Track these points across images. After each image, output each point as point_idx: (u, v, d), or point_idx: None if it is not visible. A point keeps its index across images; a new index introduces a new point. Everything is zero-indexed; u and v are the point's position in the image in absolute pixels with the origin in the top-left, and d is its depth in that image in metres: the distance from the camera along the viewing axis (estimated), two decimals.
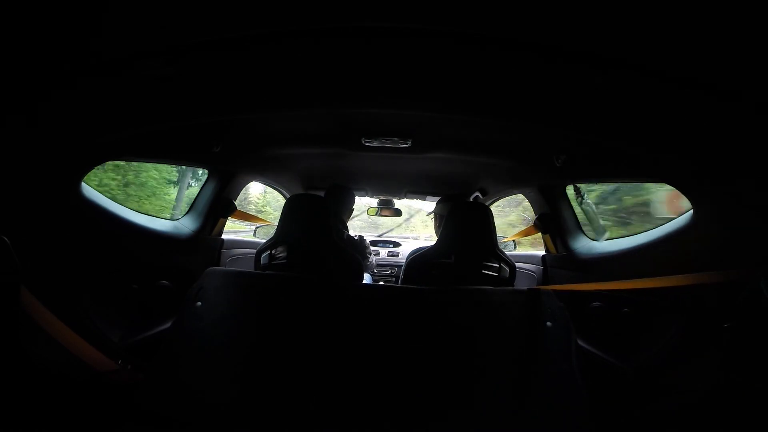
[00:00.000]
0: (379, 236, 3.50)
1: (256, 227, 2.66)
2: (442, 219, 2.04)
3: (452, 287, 1.27)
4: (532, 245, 2.87)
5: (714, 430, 0.95)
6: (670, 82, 0.62)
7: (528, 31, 0.58)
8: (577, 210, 1.79)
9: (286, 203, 1.50)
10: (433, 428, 0.97)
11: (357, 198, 2.32)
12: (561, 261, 1.84)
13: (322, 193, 2.13)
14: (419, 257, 1.53)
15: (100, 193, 1.31)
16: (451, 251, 1.44)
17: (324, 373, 1.05)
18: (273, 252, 1.51)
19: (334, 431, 0.97)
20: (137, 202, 4.04)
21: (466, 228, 1.43)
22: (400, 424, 0.97)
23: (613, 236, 1.64)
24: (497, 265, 1.47)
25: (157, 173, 4.48)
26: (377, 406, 1.00)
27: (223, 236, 2.08)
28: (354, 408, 1.00)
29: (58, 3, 0.52)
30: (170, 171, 4.67)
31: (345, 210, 2.06)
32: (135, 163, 3.92)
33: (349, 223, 2.19)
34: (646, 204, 2.29)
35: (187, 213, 1.85)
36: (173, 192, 4.73)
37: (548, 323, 1.14)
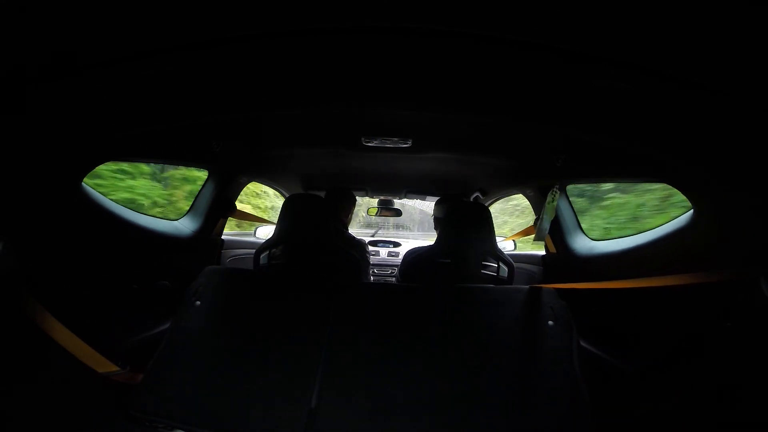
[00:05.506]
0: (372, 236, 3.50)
1: (257, 227, 2.66)
2: (438, 221, 2.04)
3: (454, 285, 1.27)
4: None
5: (714, 429, 0.95)
6: (671, 82, 0.62)
7: (528, 32, 0.58)
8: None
9: (284, 203, 1.49)
10: (433, 425, 0.96)
11: (357, 198, 2.32)
12: (561, 261, 1.83)
13: (322, 194, 2.13)
14: (417, 257, 1.53)
15: None
16: (450, 251, 1.43)
17: (324, 370, 1.05)
18: (272, 252, 1.51)
19: (334, 427, 0.96)
20: None
21: (464, 228, 1.43)
22: (400, 422, 0.97)
23: None
24: (496, 265, 1.47)
25: None
26: (377, 403, 1.00)
27: (223, 236, 2.08)
28: (354, 405, 1.00)
29: (57, 2, 0.52)
30: None
31: (345, 211, 2.07)
32: None
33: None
34: None
35: (187, 213, 1.85)
36: None
37: (550, 322, 1.14)
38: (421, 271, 1.48)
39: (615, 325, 1.38)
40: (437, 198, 2.31)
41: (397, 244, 3.28)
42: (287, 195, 2.50)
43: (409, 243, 3.32)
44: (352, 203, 2.12)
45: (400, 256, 3.19)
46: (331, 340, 1.11)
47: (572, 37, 0.58)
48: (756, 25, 0.48)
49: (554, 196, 1.65)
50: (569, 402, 1.00)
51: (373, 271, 3.02)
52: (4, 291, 0.86)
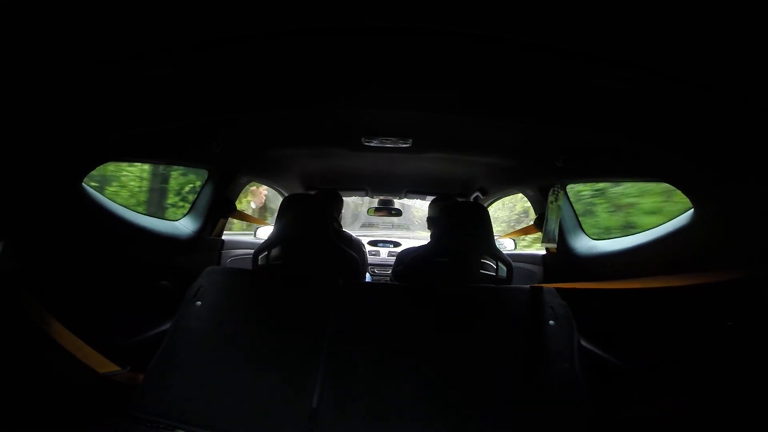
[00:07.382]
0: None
1: (257, 228, 2.66)
2: (431, 221, 2.04)
3: (453, 286, 1.27)
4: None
5: (714, 429, 0.95)
6: (672, 82, 0.62)
7: (528, 32, 0.58)
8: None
9: (281, 203, 1.49)
10: (435, 425, 0.97)
11: (357, 198, 2.33)
12: (561, 260, 1.84)
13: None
14: (415, 257, 1.52)
15: None
16: (447, 251, 1.43)
17: (325, 371, 1.05)
18: (270, 253, 1.51)
19: (335, 428, 0.96)
20: None
21: (462, 227, 1.43)
22: (401, 422, 0.97)
23: None
24: (495, 265, 1.47)
25: None
26: (379, 403, 1.00)
27: (223, 237, 2.08)
28: (356, 406, 1.00)
29: (57, 2, 0.52)
30: None
31: (338, 211, 2.09)
32: None
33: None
34: None
35: (187, 213, 1.85)
36: None
37: (551, 322, 1.14)
38: (418, 271, 1.48)
39: (615, 325, 1.38)
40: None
41: (397, 244, 3.28)
42: (286, 195, 2.50)
43: (409, 242, 3.32)
44: (342, 203, 2.15)
45: None
46: (331, 340, 1.11)
47: (572, 37, 0.57)
48: (756, 25, 0.48)
49: (557, 195, 1.65)
50: (569, 401, 1.00)
51: (373, 271, 3.02)
52: (4, 291, 0.86)
